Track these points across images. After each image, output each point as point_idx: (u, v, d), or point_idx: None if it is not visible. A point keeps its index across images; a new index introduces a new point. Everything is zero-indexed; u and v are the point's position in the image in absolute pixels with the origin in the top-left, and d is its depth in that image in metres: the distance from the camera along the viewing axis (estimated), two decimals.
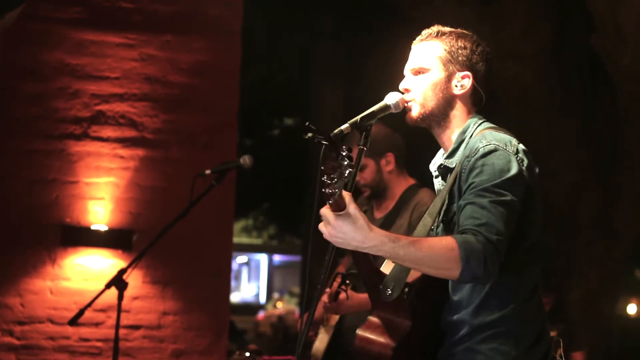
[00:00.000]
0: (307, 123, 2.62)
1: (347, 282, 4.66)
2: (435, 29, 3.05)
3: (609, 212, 9.70)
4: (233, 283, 31.54)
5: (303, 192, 15.30)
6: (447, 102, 2.98)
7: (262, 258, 37.70)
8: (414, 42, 3.07)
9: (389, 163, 4.72)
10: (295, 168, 16.61)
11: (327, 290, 4.68)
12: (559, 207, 9.68)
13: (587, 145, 9.82)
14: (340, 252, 5.05)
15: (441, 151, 3.09)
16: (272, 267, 38.12)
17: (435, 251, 2.64)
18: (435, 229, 3.00)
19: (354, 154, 2.62)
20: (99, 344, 6.63)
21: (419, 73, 3.00)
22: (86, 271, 6.63)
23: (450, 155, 2.97)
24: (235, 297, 33.62)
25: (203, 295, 6.88)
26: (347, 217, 2.58)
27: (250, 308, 30.48)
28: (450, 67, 2.98)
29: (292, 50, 16.41)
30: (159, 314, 6.78)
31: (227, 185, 6.25)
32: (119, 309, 5.13)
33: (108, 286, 5.14)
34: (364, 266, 2.90)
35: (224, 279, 7.09)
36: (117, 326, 5.19)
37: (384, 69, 5.40)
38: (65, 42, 6.80)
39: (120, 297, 5.11)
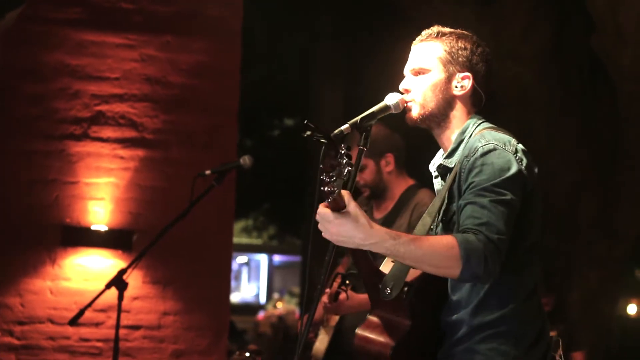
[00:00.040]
0: (305, 121, 2.62)
1: (347, 282, 4.66)
2: (435, 29, 3.05)
3: (609, 212, 9.70)
4: (233, 283, 31.55)
5: (303, 193, 15.30)
6: (447, 103, 2.98)
7: (262, 258, 37.69)
8: (414, 42, 3.07)
9: (388, 164, 4.72)
10: (295, 168, 16.61)
11: (327, 290, 4.68)
12: (559, 207, 9.68)
13: (587, 145, 9.82)
14: (340, 253, 5.07)
15: (440, 151, 3.09)
16: (272, 268, 38.11)
17: (435, 249, 2.64)
18: (434, 229, 3.00)
19: (354, 155, 2.62)
20: (99, 344, 6.63)
21: (419, 74, 3.00)
22: (86, 271, 6.63)
23: (450, 155, 2.98)
24: (235, 298, 33.61)
25: (203, 295, 6.88)
26: (348, 215, 2.58)
27: (250, 308, 30.46)
28: (451, 68, 2.98)
29: (292, 50, 16.41)
30: (159, 314, 6.78)
31: (227, 186, 6.25)
32: (119, 309, 5.13)
33: (108, 286, 5.14)
34: (363, 265, 2.90)
35: (224, 279, 7.09)
36: (117, 326, 5.20)
37: (384, 69, 5.40)
38: (66, 42, 6.80)
39: (121, 298, 5.11)
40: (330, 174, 2.53)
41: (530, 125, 9.58)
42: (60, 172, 6.70)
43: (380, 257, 2.94)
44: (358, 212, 2.59)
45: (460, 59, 2.98)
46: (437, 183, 3.10)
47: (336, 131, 2.71)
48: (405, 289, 2.83)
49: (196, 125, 6.99)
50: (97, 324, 6.62)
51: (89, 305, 5.26)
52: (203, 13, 7.09)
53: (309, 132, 2.62)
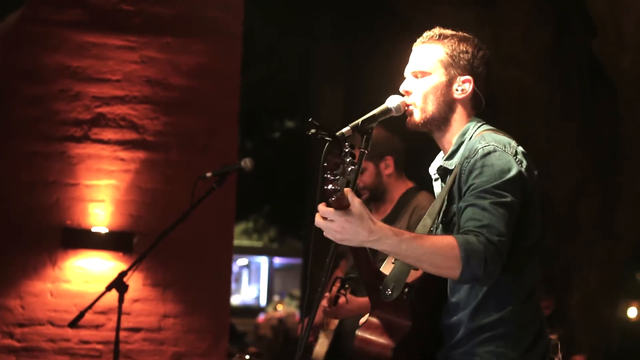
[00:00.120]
0: (310, 119, 2.62)
1: (346, 286, 4.67)
2: (437, 31, 3.04)
3: (609, 215, 9.70)
4: (233, 286, 31.53)
5: (304, 195, 15.29)
6: (447, 106, 2.98)
7: (263, 261, 37.69)
8: (415, 43, 3.07)
9: (388, 166, 4.73)
10: (296, 170, 16.60)
11: (326, 294, 4.68)
12: (559, 209, 9.68)
13: (587, 147, 9.82)
14: (340, 255, 5.08)
15: (440, 154, 3.09)
16: (272, 270, 38.10)
17: (436, 248, 2.64)
18: (434, 230, 3.00)
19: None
20: (99, 346, 6.63)
21: (420, 76, 3.00)
22: (87, 273, 6.63)
23: (450, 157, 2.98)
24: (235, 300, 33.60)
25: (203, 297, 6.88)
26: (352, 212, 2.58)
27: (250, 311, 30.45)
28: (452, 71, 2.98)
29: (292, 51, 16.42)
30: (160, 317, 6.78)
31: (227, 188, 6.25)
32: (120, 312, 5.14)
33: (108, 288, 5.15)
34: (364, 266, 2.89)
35: (224, 282, 7.09)
36: (118, 329, 5.20)
37: (384, 70, 5.41)
38: (66, 44, 6.80)
39: (121, 300, 5.12)
40: (334, 172, 2.52)
41: (531, 127, 9.58)
42: (60, 174, 6.70)
43: (379, 259, 2.94)
44: (362, 210, 2.59)
45: (461, 62, 2.98)
46: (437, 185, 3.10)
47: (337, 133, 2.71)
48: (406, 289, 2.82)
49: (197, 127, 6.99)
50: (97, 326, 6.62)
51: (89, 307, 5.27)
52: (203, 15, 7.09)
53: (313, 130, 2.61)
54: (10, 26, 6.87)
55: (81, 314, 5.26)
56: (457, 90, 2.99)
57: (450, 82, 2.98)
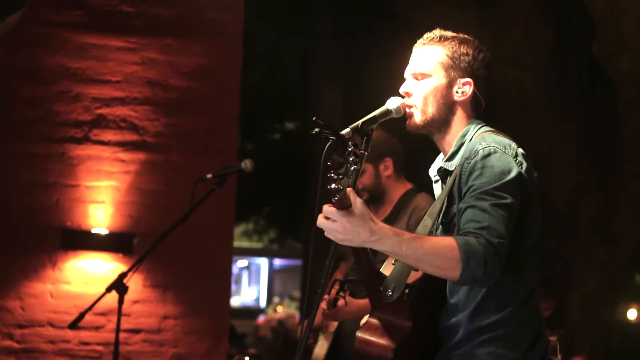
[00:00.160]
0: (314, 118, 2.61)
1: (345, 288, 4.67)
2: (437, 33, 3.04)
3: (609, 217, 9.70)
4: (233, 287, 31.52)
5: (304, 196, 15.29)
6: (447, 108, 2.98)
7: (263, 262, 37.68)
8: (416, 45, 3.07)
9: (387, 168, 4.73)
10: (296, 172, 16.60)
11: (325, 297, 4.68)
12: (559, 211, 9.68)
13: (587, 149, 9.82)
14: (340, 257, 5.08)
15: (440, 156, 3.09)
16: (272, 271, 38.09)
17: (436, 249, 2.64)
18: (434, 231, 3.00)
19: None
20: (99, 347, 6.63)
21: (420, 78, 3.00)
22: (87, 275, 6.63)
23: (450, 158, 2.98)
24: (235, 301, 33.58)
25: (203, 299, 6.88)
26: (354, 212, 2.58)
27: (250, 312, 30.45)
28: (452, 73, 2.98)
29: (292, 52, 16.42)
30: (159, 318, 6.78)
31: (227, 190, 6.24)
32: (119, 313, 5.14)
33: (108, 290, 5.16)
34: (365, 266, 2.89)
35: (224, 283, 7.09)
36: (118, 330, 5.20)
37: (384, 71, 5.41)
38: (67, 45, 6.80)
39: (121, 301, 5.12)
40: (338, 172, 2.52)
41: (531, 128, 9.58)
42: (60, 175, 6.70)
43: (379, 261, 2.94)
44: (364, 210, 2.59)
45: (462, 64, 2.98)
46: (438, 187, 3.10)
47: (341, 132, 2.71)
48: (407, 290, 2.82)
49: (197, 128, 6.99)
50: (97, 328, 6.62)
51: (89, 308, 5.28)
52: (203, 16, 7.09)
53: (317, 129, 2.61)
54: (10, 27, 6.87)
55: (81, 316, 5.27)
56: (457, 92, 2.99)
57: (450, 84, 2.98)
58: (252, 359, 5.01)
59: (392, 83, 3.11)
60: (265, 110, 17.50)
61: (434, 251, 2.65)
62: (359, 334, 2.94)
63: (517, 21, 9.74)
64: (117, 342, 5.25)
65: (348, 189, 2.55)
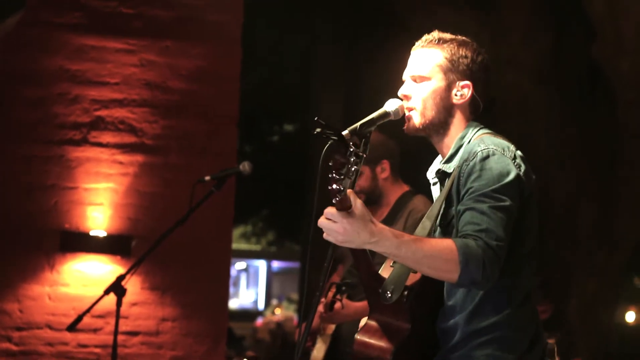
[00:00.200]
0: (316, 118, 2.61)
1: (343, 289, 4.68)
2: (436, 35, 3.03)
3: (608, 220, 9.70)
4: (231, 289, 31.45)
5: (302, 199, 15.29)
6: (446, 111, 2.98)
7: (261, 264, 37.65)
8: (414, 47, 3.06)
9: (384, 170, 4.73)
10: (295, 174, 16.61)
11: (322, 300, 4.69)
12: (558, 215, 9.68)
13: (587, 151, 9.83)
14: (338, 259, 5.08)
15: (439, 158, 3.09)
16: (270, 274, 38.06)
17: (435, 251, 2.64)
18: (432, 233, 3.00)
19: None
20: (97, 350, 6.62)
21: (419, 80, 3.00)
22: (85, 277, 6.63)
23: (448, 160, 2.97)
24: (233, 304, 33.56)
25: (202, 301, 6.87)
26: (354, 214, 2.57)
27: (248, 314, 30.41)
28: (451, 76, 2.97)
29: (291, 54, 16.43)
30: (158, 320, 6.77)
31: (226, 192, 6.24)
32: (118, 315, 5.13)
33: (107, 292, 5.15)
34: (364, 268, 2.89)
35: (222, 285, 7.08)
36: (116, 332, 5.20)
37: (384, 73, 5.41)
38: (66, 47, 6.80)
39: (119, 303, 5.11)
40: (340, 172, 2.52)
41: (530, 132, 9.59)
42: (59, 178, 6.70)
43: (377, 263, 2.94)
44: (364, 211, 2.59)
45: (460, 67, 2.97)
46: (436, 189, 3.10)
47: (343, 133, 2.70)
48: (406, 292, 2.82)
49: (195, 130, 6.99)
50: (95, 330, 6.61)
51: (88, 311, 5.27)
52: (203, 18, 7.09)
53: (319, 130, 2.60)
54: (9, 29, 6.87)
55: (79, 318, 5.26)
56: (456, 95, 2.98)
57: (449, 87, 2.98)
58: None
59: (392, 85, 3.10)
60: (264, 112, 17.51)
61: (433, 253, 2.64)
62: (357, 336, 2.94)
63: (517, 23, 9.75)
64: (115, 345, 5.24)
65: (348, 190, 2.55)
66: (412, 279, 2.84)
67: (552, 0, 9.89)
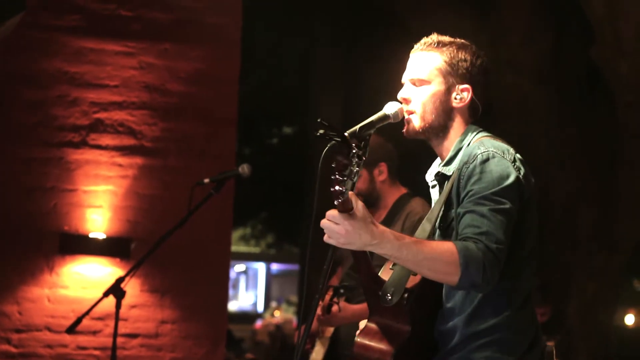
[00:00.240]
0: (319, 119, 2.60)
1: (341, 291, 4.69)
2: (435, 38, 3.03)
3: (608, 222, 9.70)
4: (231, 292, 31.47)
5: (301, 201, 15.29)
6: (446, 114, 2.98)
7: (260, 267, 37.66)
8: (413, 49, 3.05)
9: (381, 173, 4.74)
10: (294, 177, 16.61)
11: (320, 302, 4.69)
12: (558, 217, 9.68)
13: (586, 153, 9.83)
14: (337, 262, 5.09)
15: (437, 160, 3.09)
16: (269, 276, 38.07)
17: (436, 254, 2.64)
18: (432, 235, 3.00)
19: None
20: (96, 352, 6.62)
21: (418, 84, 3.00)
22: (84, 279, 6.63)
23: (448, 162, 2.98)
24: (232, 306, 33.56)
25: (201, 303, 6.87)
26: (356, 216, 2.57)
27: (247, 317, 30.41)
28: (450, 80, 2.97)
29: (290, 57, 16.43)
30: (157, 323, 6.77)
31: (225, 194, 6.24)
32: (117, 318, 5.13)
33: (106, 294, 5.15)
34: (364, 270, 2.89)
35: (221, 288, 7.08)
36: (115, 334, 5.20)
37: (383, 76, 5.41)
38: (65, 50, 6.80)
39: (118, 306, 5.11)
40: (343, 174, 2.52)
41: (529, 134, 9.59)
42: (58, 180, 6.70)
43: (376, 265, 2.94)
44: (366, 213, 2.59)
45: (460, 70, 2.97)
46: (435, 192, 3.10)
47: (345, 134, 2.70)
48: (406, 295, 2.82)
49: (194, 133, 6.99)
50: (94, 332, 6.61)
51: (87, 313, 5.26)
52: (202, 21, 7.09)
53: (321, 131, 2.60)
54: (9, 31, 6.88)
55: (78, 320, 5.26)
56: (455, 98, 2.98)
57: (449, 91, 2.98)
58: None
59: (391, 87, 3.10)
60: (263, 115, 17.51)
61: (434, 256, 2.65)
62: (357, 338, 2.94)
63: (517, 24, 9.75)
64: (114, 347, 5.24)
65: (350, 192, 2.55)
66: (411, 281, 2.84)
67: (552, 2, 9.89)
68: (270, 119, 18.39)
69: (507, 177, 2.79)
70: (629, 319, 19.53)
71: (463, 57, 2.98)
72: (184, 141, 6.96)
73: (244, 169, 5.09)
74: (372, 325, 2.94)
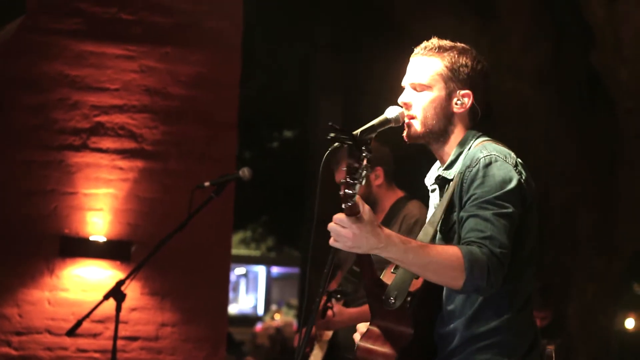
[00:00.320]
0: (330, 123, 2.61)
1: (339, 297, 4.70)
2: (435, 42, 3.02)
3: (608, 225, 9.70)
4: (231, 295, 31.47)
5: (302, 204, 15.28)
6: (446, 120, 2.98)
7: (260, 270, 37.64)
8: (413, 54, 3.05)
9: (377, 177, 4.75)
10: (294, 180, 16.60)
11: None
12: (558, 221, 9.68)
13: (586, 158, 9.83)
14: (337, 266, 5.10)
15: (436, 164, 3.09)
16: (270, 279, 38.05)
17: (442, 258, 2.65)
18: (433, 239, 3.00)
19: None
20: (96, 355, 6.62)
21: (419, 89, 2.99)
22: (84, 282, 6.63)
23: (449, 166, 2.98)
24: (233, 309, 33.53)
25: (201, 306, 6.87)
26: (363, 219, 2.58)
27: (248, 320, 30.39)
28: (451, 85, 2.97)
29: (291, 61, 16.43)
30: (157, 326, 6.77)
31: (225, 197, 6.24)
32: (117, 320, 5.14)
33: (106, 297, 5.15)
34: (368, 274, 2.90)
35: (222, 291, 7.09)
36: (115, 337, 5.20)
37: (384, 80, 5.42)
38: (65, 53, 6.81)
39: (118, 309, 5.11)
40: (353, 177, 2.52)
41: (529, 139, 9.60)
42: (59, 183, 6.70)
43: (377, 269, 2.95)
44: (372, 217, 2.60)
45: (461, 76, 2.97)
46: (435, 196, 3.10)
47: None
48: (409, 298, 2.83)
49: (195, 136, 7.00)
50: (94, 335, 6.61)
51: (87, 316, 5.27)
52: (203, 24, 7.10)
53: (333, 134, 2.61)
54: (9, 35, 6.88)
55: (79, 323, 5.26)
56: (456, 104, 2.98)
57: (449, 96, 2.98)
58: None
59: (392, 92, 3.10)
60: (263, 118, 17.52)
61: (439, 260, 2.65)
62: (360, 342, 2.94)
63: (517, 30, 9.76)
64: (114, 350, 5.24)
65: (357, 196, 2.56)
66: (414, 285, 2.84)
67: (552, 7, 9.90)
68: (270, 122, 18.39)
69: (510, 181, 2.80)
70: (629, 323, 19.51)
71: (464, 62, 2.98)
72: (185, 144, 6.97)
73: (245, 172, 5.09)
74: (375, 329, 2.94)
